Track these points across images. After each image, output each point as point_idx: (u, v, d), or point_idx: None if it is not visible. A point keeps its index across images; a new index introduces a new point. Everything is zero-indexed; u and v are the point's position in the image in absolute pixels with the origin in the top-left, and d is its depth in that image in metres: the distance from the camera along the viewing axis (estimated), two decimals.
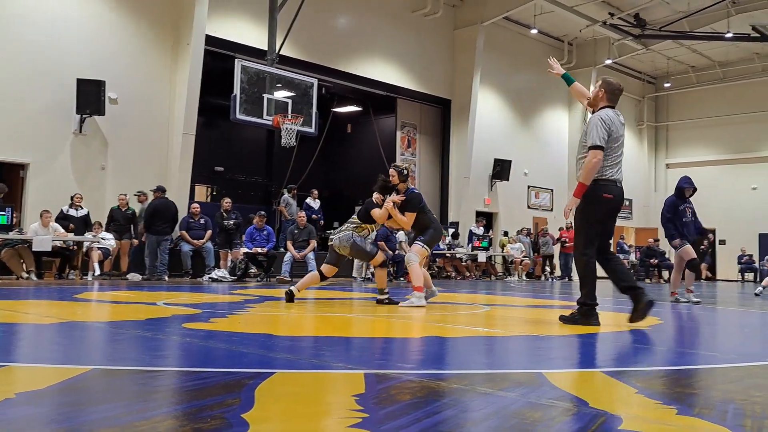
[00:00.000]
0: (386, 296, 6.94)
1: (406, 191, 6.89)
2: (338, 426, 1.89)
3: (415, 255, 6.58)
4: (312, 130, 12.74)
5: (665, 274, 21.62)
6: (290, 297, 6.70)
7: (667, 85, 26.44)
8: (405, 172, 6.94)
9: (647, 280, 20.90)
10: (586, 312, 4.95)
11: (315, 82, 12.99)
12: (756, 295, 11.89)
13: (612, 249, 5.17)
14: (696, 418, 2.08)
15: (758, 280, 23.54)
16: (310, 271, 12.06)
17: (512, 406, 2.16)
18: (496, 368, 3.04)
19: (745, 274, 24.11)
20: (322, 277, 6.98)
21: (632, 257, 22.68)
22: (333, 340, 4.01)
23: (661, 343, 4.40)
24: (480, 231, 18.63)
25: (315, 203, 15.60)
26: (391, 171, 6.98)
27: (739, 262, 24.08)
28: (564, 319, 5.10)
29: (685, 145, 26.84)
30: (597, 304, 4.96)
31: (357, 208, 8.35)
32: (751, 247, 24.37)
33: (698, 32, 20.49)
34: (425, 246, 6.69)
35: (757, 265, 23.91)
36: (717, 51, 23.85)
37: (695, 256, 8.89)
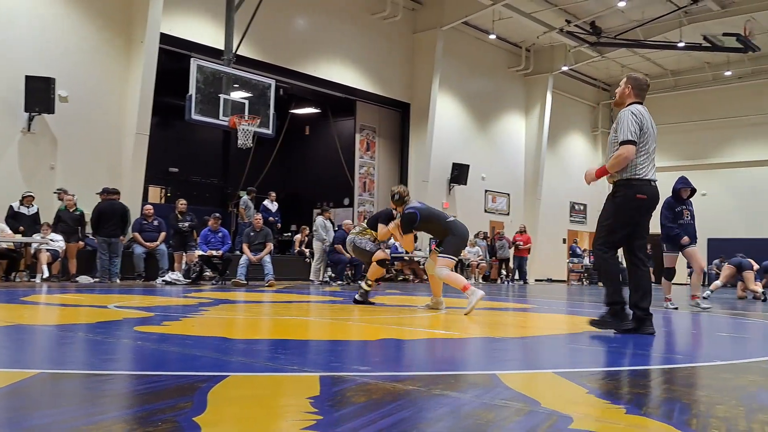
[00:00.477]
0: (369, 289, 7.14)
1: (403, 213, 6.79)
2: (291, 428, 1.89)
3: (442, 268, 6.52)
4: (269, 131, 12.66)
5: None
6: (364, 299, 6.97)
7: None
8: (396, 196, 6.84)
9: (599, 284, 21.32)
10: (616, 312, 4.73)
11: (273, 83, 12.92)
12: (704, 298, 12.24)
13: (646, 251, 4.94)
14: (643, 417, 2.14)
15: (707, 283, 24.25)
16: (267, 274, 12.01)
17: (466, 407, 2.19)
18: (451, 370, 3.07)
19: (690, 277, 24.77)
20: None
21: (586, 261, 23.12)
22: (289, 342, 4.00)
23: (613, 345, 4.50)
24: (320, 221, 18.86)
25: (272, 205, 15.51)
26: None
27: (688, 266, 24.73)
28: (595, 324, 4.83)
29: None
30: (626, 303, 4.74)
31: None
32: (701, 251, 25.03)
33: (652, 41, 21.03)
34: (449, 256, 6.57)
35: (706, 269, 24.59)
36: (669, 60, 24.50)
37: (674, 265, 8.94)
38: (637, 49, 22.69)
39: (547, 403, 2.31)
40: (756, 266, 12.95)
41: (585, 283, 22.34)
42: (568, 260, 23.70)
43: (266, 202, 15.46)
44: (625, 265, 5.07)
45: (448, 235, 6.62)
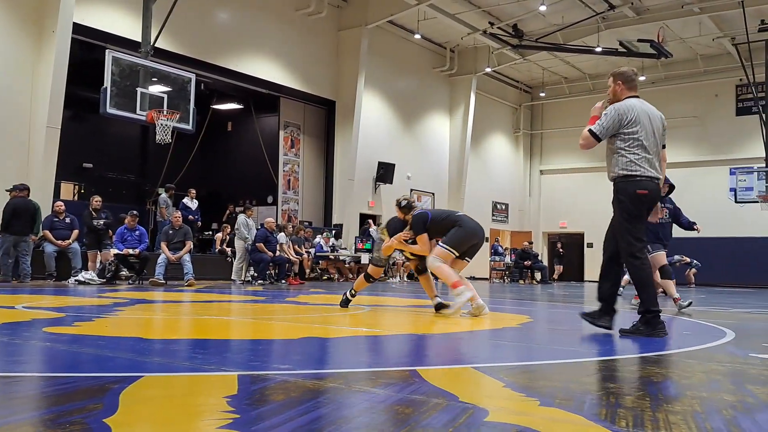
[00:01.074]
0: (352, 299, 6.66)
1: (413, 217, 6.32)
2: (207, 428, 1.86)
3: (435, 258, 5.98)
4: (189, 127, 12.36)
5: (537, 275, 22.76)
6: (345, 303, 6.51)
7: (542, 94, 27.85)
8: (403, 203, 6.43)
9: (521, 282, 21.91)
10: (649, 320, 4.52)
11: (193, 77, 12.62)
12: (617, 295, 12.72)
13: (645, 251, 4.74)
14: (556, 409, 2.22)
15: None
16: (186, 273, 11.76)
17: (385, 402, 2.22)
18: (372, 367, 3.09)
19: None
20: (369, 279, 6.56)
21: (507, 259, 23.69)
22: (208, 342, 3.94)
23: (530, 340, 4.64)
24: (375, 234, 18.90)
25: (192, 203, 15.18)
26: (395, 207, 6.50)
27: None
28: (625, 332, 4.63)
29: (558, 152, 28.37)
30: (660, 311, 4.56)
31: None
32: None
33: (571, 45, 21.74)
34: (448, 247, 5.98)
35: None
36: (588, 64, 25.39)
37: (665, 263, 8.43)
38: (557, 53, 23.41)
39: (465, 397, 2.37)
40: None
41: (506, 281, 22.90)
42: (490, 258, 24.21)
43: (186, 200, 15.12)
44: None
45: (454, 227, 6.09)
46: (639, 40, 19.25)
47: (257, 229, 14.10)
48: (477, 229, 6.21)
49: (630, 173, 4.56)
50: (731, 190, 20.25)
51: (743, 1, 18.28)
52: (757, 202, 19.64)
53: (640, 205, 4.59)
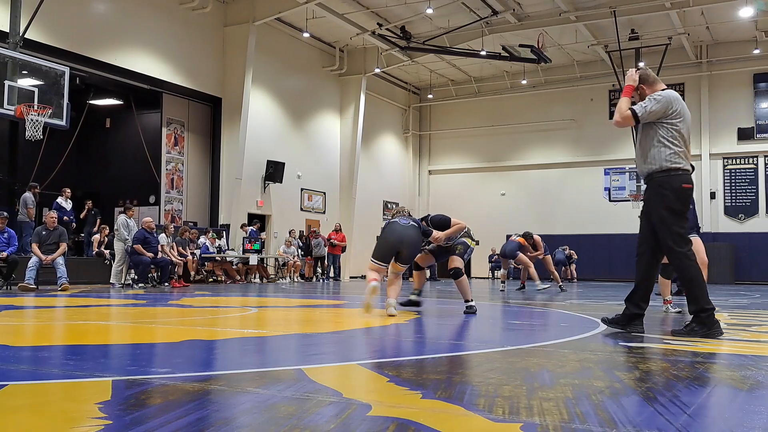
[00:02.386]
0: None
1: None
2: None
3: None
4: (63, 122, 11.71)
5: (427, 272, 23.22)
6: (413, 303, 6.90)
7: (429, 96, 28.47)
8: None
9: (410, 279, 22.27)
10: (704, 320, 4.34)
11: (67, 70, 11.97)
12: (501, 291, 13.26)
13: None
14: (437, 401, 2.28)
15: (507, 277, 26.27)
16: (60, 277, 11.10)
17: (268, 402, 2.20)
18: (256, 367, 3.06)
19: (495, 271, 26.79)
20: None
21: None
22: (81, 348, 3.75)
23: (416, 335, 4.73)
24: (263, 234, 18.67)
25: (67, 203, 14.38)
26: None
27: (489, 261, 26.69)
28: (678, 333, 4.48)
29: (445, 153, 29.12)
30: (714, 308, 4.39)
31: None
32: (501, 247, 27.08)
33: (457, 48, 22.35)
34: (372, 260, 6.30)
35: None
36: (473, 67, 26.20)
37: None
38: (444, 56, 23.99)
39: (349, 393, 2.39)
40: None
41: None
42: None
43: (60, 200, 14.31)
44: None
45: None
46: (521, 46, 20.06)
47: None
48: (392, 236, 6.31)
49: (674, 166, 4.40)
50: (605, 189, 21.54)
51: (615, 11, 19.48)
52: (628, 200, 20.95)
53: (685, 199, 4.44)
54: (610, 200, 21.38)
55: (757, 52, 22.43)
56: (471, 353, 3.61)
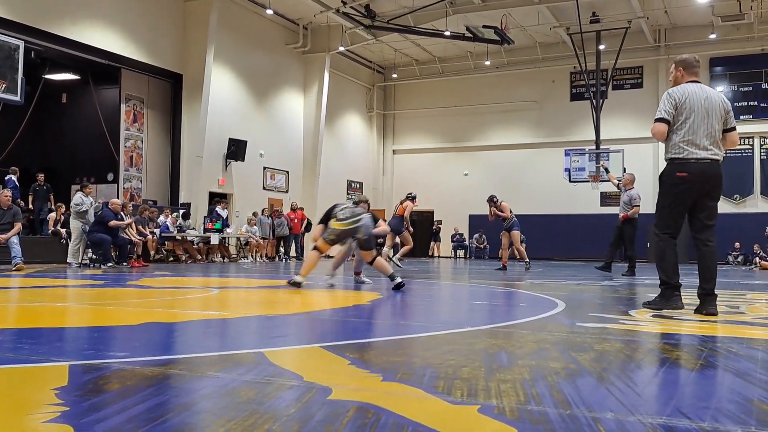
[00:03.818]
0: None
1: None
2: (32, 422, 1.75)
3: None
4: (17, 98, 11.42)
5: (389, 252, 23.28)
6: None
7: (394, 75, 28.39)
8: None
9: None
10: (665, 293, 4.80)
11: (21, 44, 11.64)
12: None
13: (710, 233, 4.77)
14: (397, 383, 2.31)
15: (468, 256, 26.56)
16: (14, 257, 10.86)
17: (228, 386, 2.20)
18: (217, 351, 3.04)
19: (458, 251, 27.04)
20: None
21: None
22: (36, 331, 3.68)
23: (379, 317, 4.76)
24: (224, 213, 18.43)
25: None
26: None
27: (452, 240, 26.95)
28: (647, 304, 4.96)
29: (409, 133, 29.12)
30: (678, 284, 4.76)
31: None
32: (463, 226, 27.34)
33: (421, 28, 22.28)
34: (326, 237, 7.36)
35: (467, 242, 26.94)
36: (437, 47, 26.17)
37: None
38: (408, 35, 23.90)
39: (310, 376, 2.39)
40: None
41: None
42: None
43: (13, 177, 13.96)
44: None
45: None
46: (484, 26, 20.08)
47: (96, 209, 13.30)
48: (338, 222, 7.31)
49: (674, 156, 4.74)
50: (566, 170, 21.80)
51: None
52: (588, 181, 21.26)
53: (678, 187, 4.73)
54: (570, 181, 21.65)
55: (713, 36, 22.88)
56: (432, 335, 3.64)
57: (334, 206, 7.59)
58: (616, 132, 24.03)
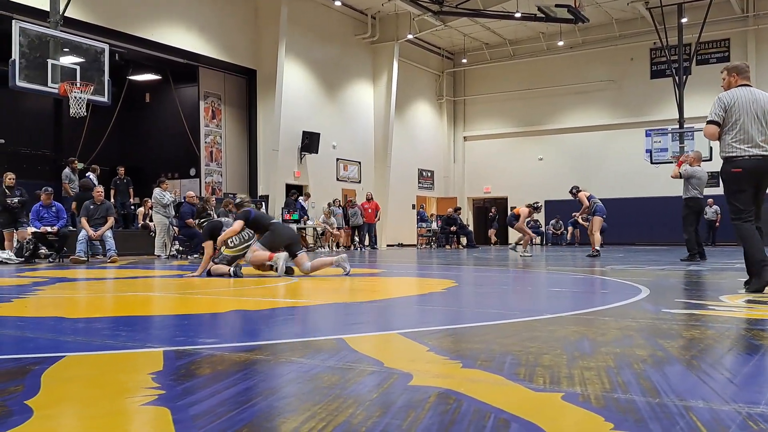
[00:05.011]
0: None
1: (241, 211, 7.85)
2: (131, 405, 1.85)
3: (253, 253, 7.40)
4: (105, 99, 11.90)
5: (464, 240, 23.20)
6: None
7: (463, 61, 28.09)
8: (238, 199, 8.28)
9: (447, 247, 22.28)
10: (757, 272, 5.07)
11: (106, 47, 12.10)
12: (518, 254, 13.20)
13: (758, 217, 5.24)
14: (477, 370, 2.30)
15: (545, 243, 26.09)
16: (108, 249, 11.41)
17: (312, 372, 2.25)
18: (299, 337, 3.11)
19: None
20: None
21: (434, 225, 24.01)
22: (132, 319, 3.86)
23: (454, 304, 4.75)
24: (307, 205, 18.84)
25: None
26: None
27: (511, 227, 26.40)
28: (746, 286, 5.19)
29: (481, 118, 28.79)
30: (763, 259, 5.01)
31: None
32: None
33: (491, 11, 21.94)
34: (261, 247, 7.39)
35: (543, 229, 26.45)
36: (508, 30, 25.73)
37: None
38: (478, 19, 23.60)
39: (390, 362, 2.42)
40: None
41: (433, 246, 23.23)
42: (417, 225, 24.52)
43: (92, 175, 14.59)
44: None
45: (267, 232, 7.49)
46: (557, 5, 19.58)
47: (174, 202, 13.78)
48: (285, 234, 7.72)
49: (728, 155, 5.22)
50: (647, 151, 21.04)
51: None
52: (671, 162, 20.48)
53: (737, 181, 5.19)
54: (651, 162, 20.88)
55: None
56: (511, 322, 3.61)
57: (220, 224, 7.85)
58: (702, 109, 23.01)
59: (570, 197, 14.17)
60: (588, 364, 2.39)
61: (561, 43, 25.45)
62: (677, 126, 20.62)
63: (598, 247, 13.11)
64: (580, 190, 13.74)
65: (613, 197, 24.01)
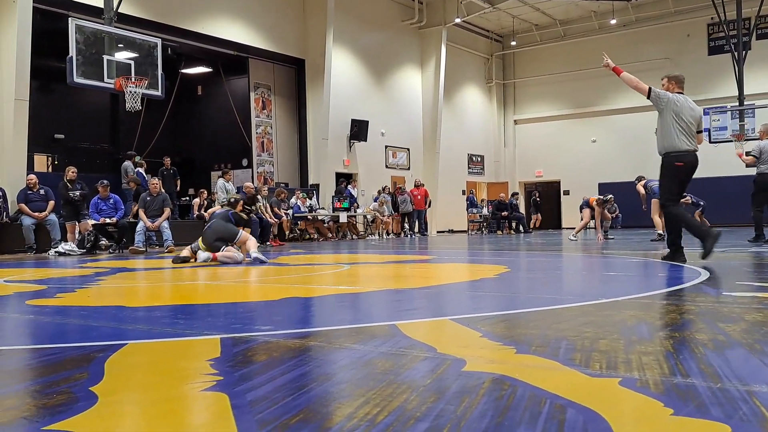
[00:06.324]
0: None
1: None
2: (191, 391, 1.90)
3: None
4: (159, 93, 12.16)
5: (517, 226, 22.92)
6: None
7: (513, 43, 27.69)
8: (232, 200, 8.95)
9: (498, 232, 22.08)
10: (674, 251, 6.53)
11: (159, 41, 12.35)
12: (571, 239, 13.02)
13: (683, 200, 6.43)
14: (532, 355, 2.28)
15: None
16: (166, 240, 11.70)
17: (365, 358, 2.26)
18: (352, 323, 3.14)
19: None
20: None
21: (484, 210, 23.82)
22: (189, 308, 3.96)
23: (507, 290, 4.72)
24: (355, 192, 18.98)
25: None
26: None
27: (580, 211, 25.86)
28: (663, 258, 6.68)
29: (531, 101, 28.37)
30: (681, 246, 6.53)
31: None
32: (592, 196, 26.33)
33: None
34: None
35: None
36: (558, 10, 25.23)
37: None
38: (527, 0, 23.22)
39: (443, 348, 2.42)
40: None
41: (484, 232, 23.07)
42: (467, 211, 24.37)
43: (140, 170, 14.92)
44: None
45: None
46: None
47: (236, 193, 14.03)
48: (208, 232, 8.19)
49: (671, 151, 6.41)
50: (705, 130, 20.38)
51: None
52: (730, 141, 19.83)
53: (677, 173, 6.49)
54: (710, 142, 20.22)
55: None
56: (564, 307, 3.57)
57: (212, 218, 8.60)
58: (763, 85, 22.19)
59: (626, 180, 13.88)
60: (646, 348, 2.34)
61: (614, 22, 24.82)
62: (737, 103, 19.90)
63: (660, 231, 12.77)
64: (641, 179, 13.61)
65: None
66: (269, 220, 14.36)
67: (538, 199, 26.20)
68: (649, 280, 5.31)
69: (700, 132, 6.65)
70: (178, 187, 16.38)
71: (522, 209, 26.04)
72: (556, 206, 27.59)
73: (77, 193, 11.87)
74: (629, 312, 3.32)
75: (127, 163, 14.69)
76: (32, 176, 12.12)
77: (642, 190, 13.27)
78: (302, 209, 17.03)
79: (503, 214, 22.38)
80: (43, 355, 2.49)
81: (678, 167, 6.33)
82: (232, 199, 8.83)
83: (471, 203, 24.18)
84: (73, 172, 11.96)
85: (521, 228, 22.42)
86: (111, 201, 11.91)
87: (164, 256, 10.44)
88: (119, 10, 12.41)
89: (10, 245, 11.71)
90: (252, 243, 8.18)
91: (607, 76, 25.99)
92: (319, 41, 19.14)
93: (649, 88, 6.47)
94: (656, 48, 25.04)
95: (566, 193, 27.26)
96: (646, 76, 25.10)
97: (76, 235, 11.96)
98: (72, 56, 10.87)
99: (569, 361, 2.17)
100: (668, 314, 3.18)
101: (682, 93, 6.49)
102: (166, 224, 11.93)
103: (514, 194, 23.72)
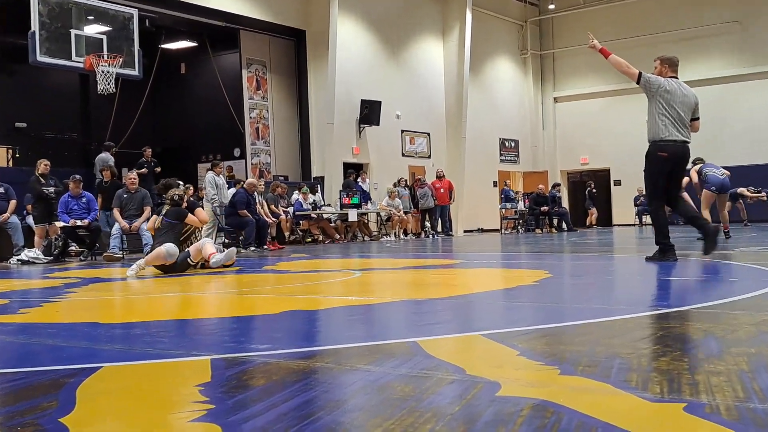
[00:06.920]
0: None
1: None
2: (177, 421, 1.90)
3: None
4: (135, 72, 12.27)
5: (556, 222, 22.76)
6: None
7: (551, 7, 27.57)
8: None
9: (537, 231, 21.94)
10: (662, 250, 6.87)
11: (135, 12, 12.45)
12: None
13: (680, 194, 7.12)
14: (579, 377, 2.26)
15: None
16: (146, 244, 11.75)
17: (381, 381, 2.26)
18: (365, 341, 3.13)
19: (643, 216, 25.85)
20: None
21: (520, 205, 23.60)
22: (175, 323, 3.98)
23: (548, 299, 4.70)
24: (366, 186, 18.96)
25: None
26: None
27: (635, 204, 25.67)
28: (648, 259, 6.98)
29: (574, 75, 28.21)
30: (672, 244, 6.89)
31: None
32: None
33: None
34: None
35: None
36: None
37: None
38: None
39: (473, 369, 2.41)
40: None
41: (521, 231, 22.92)
42: (500, 206, 24.24)
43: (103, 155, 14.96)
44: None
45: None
46: None
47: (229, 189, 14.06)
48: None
49: (656, 139, 6.78)
50: None
51: None
52: None
53: (661, 164, 6.94)
54: None
55: None
56: (617, 319, 3.55)
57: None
58: None
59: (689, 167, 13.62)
60: (716, 368, 2.32)
61: None
62: None
63: (727, 228, 12.62)
64: (698, 162, 13.10)
65: (737, 164, 23.18)
66: (266, 219, 14.39)
67: (594, 190, 25.94)
68: (719, 285, 5.27)
69: (696, 119, 7.00)
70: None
71: (565, 203, 25.91)
72: (605, 199, 27.43)
73: (51, 189, 11.91)
74: (694, 324, 3.30)
75: (105, 155, 14.74)
76: None
77: (695, 177, 12.95)
78: (304, 206, 17.06)
79: (543, 209, 22.26)
80: (4, 381, 2.50)
81: (662, 158, 6.76)
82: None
83: (506, 197, 23.95)
84: (45, 165, 12.03)
85: (564, 225, 22.30)
86: (83, 200, 11.98)
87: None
88: None
89: None
90: (209, 246, 8.10)
91: (663, 44, 25.85)
92: (322, 9, 19.15)
93: (639, 73, 6.91)
94: (722, 10, 24.83)
95: (617, 183, 27.11)
96: (710, 43, 25.08)
97: (44, 241, 12.01)
98: (34, 31, 10.98)
99: (623, 384, 2.16)
100: (741, 326, 3.15)
101: (675, 77, 6.94)
102: (145, 225, 11.99)
103: (555, 185, 23.59)
